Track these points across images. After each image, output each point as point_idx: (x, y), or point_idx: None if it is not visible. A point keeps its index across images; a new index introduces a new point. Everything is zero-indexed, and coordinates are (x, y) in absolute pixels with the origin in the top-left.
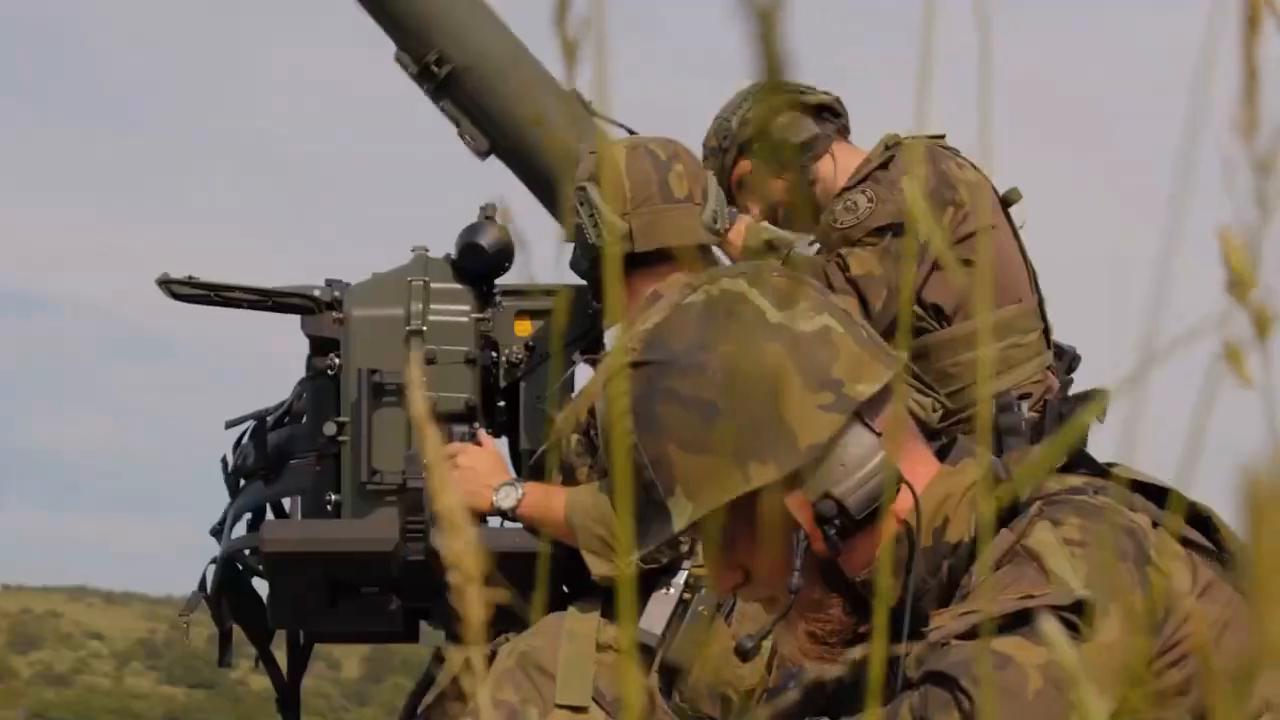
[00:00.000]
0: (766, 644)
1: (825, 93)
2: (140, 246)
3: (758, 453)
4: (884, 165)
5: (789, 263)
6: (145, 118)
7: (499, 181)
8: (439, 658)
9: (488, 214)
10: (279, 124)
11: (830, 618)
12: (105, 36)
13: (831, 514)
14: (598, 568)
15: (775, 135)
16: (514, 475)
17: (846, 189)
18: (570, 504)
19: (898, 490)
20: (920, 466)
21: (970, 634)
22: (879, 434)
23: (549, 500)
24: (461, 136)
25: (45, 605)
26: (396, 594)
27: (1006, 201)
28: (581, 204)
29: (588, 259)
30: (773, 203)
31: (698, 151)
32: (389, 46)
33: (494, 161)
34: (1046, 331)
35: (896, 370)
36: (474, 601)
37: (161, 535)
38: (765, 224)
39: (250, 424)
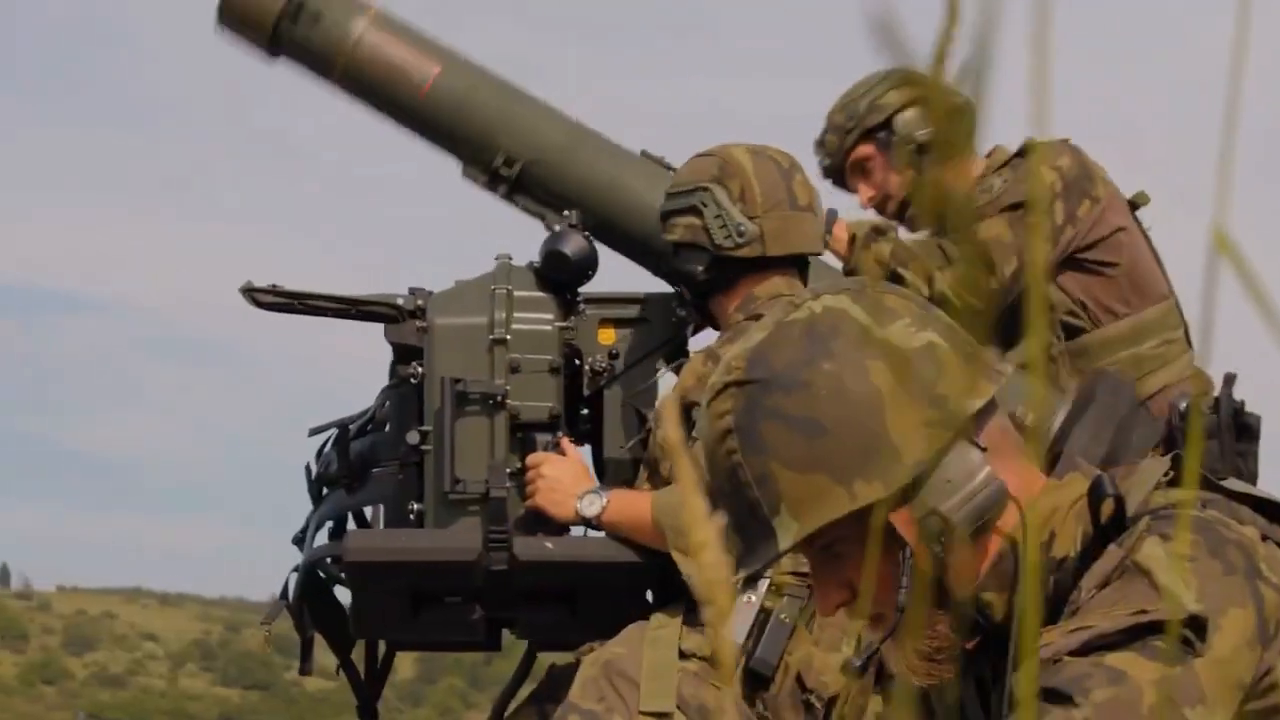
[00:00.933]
0: (849, 649)
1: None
2: (188, 248)
3: (863, 471)
4: (1020, 154)
5: (899, 247)
6: (192, 117)
7: None
8: (528, 662)
9: (571, 222)
10: (322, 124)
11: (937, 634)
12: (151, 35)
13: (937, 531)
14: (686, 567)
15: (944, 133)
16: (597, 483)
17: (982, 175)
18: (657, 505)
19: (1005, 505)
20: (1026, 481)
21: (1083, 650)
22: (984, 449)
23: (634, 505)
24: (549, 229)
25: (100, 607)
26: (479, 603)
27: (1134, 205)
28: (703, 206)
29: (703, 262)
30: (886, 194)
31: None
32: (451, 167)
33: None
34: (1187, 329)
35: (1001, 384)
36: (726, 639)
37: (213, 537)
38: (865, 216)
39: (333, 432)
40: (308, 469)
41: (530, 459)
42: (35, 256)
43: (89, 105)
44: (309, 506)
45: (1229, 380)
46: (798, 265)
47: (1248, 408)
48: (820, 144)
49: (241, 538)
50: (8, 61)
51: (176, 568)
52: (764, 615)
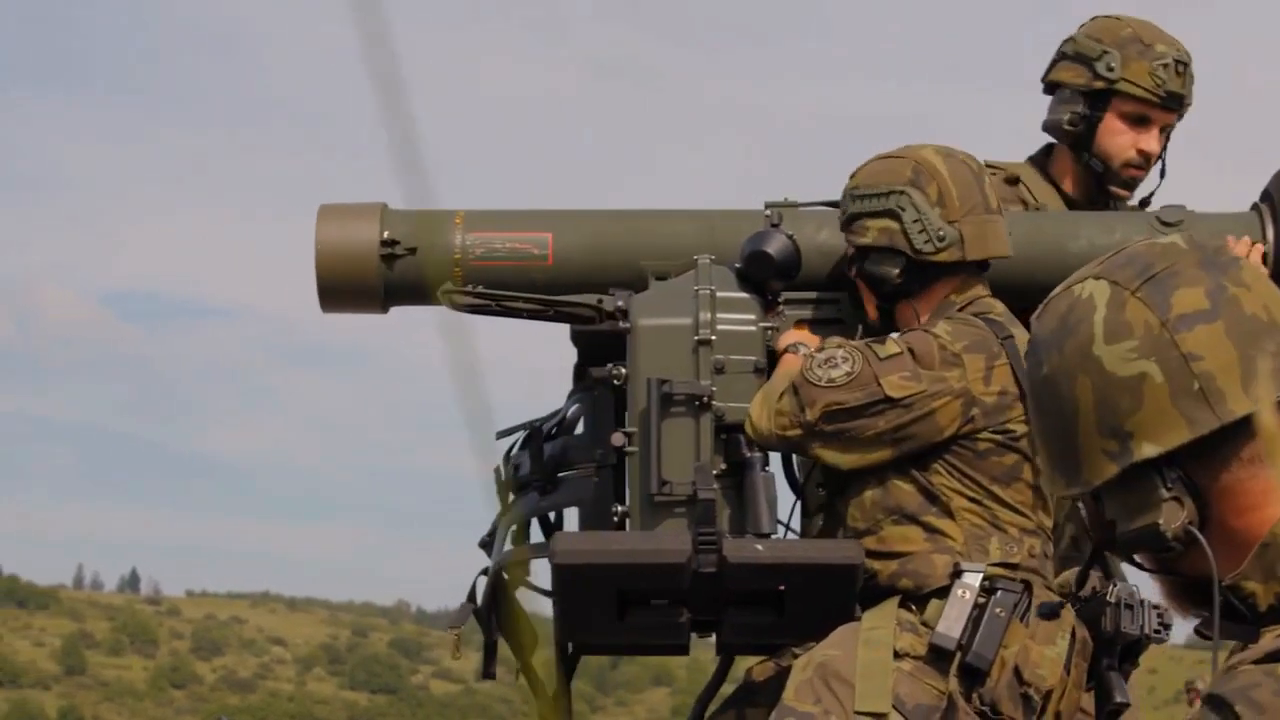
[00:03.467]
0: (1064, 643)
1: None
2: (311, 258)
3: (1058, 465)
4: None
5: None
6: (316, 123)
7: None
8: (725, 665)
9: (773, 221)
10: (439, 127)
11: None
12: (272, 40)
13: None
14: (752, 408)
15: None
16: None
17: None
18: (785, 361)
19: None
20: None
21: (1268, 659)
22: (1172, 496)
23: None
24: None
25: (229, 612)
26: (686, 606)
27: None
28: (900, 209)
29: (898, 265)
30: (1118, 153)
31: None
32: None
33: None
34: None
35: (1210, 428)
36: None
37: (340, 542)
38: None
39: (521, 435)
40: (497, 472)
41: (784, 348)
42: (160, 263)
43: (216, 112)
44: (440, 510)
45: None
46: (983, 268)
47: None
48: None
49: (368, 543)
50: (133, 67)
51: (304, 573)
52: (978, 610)
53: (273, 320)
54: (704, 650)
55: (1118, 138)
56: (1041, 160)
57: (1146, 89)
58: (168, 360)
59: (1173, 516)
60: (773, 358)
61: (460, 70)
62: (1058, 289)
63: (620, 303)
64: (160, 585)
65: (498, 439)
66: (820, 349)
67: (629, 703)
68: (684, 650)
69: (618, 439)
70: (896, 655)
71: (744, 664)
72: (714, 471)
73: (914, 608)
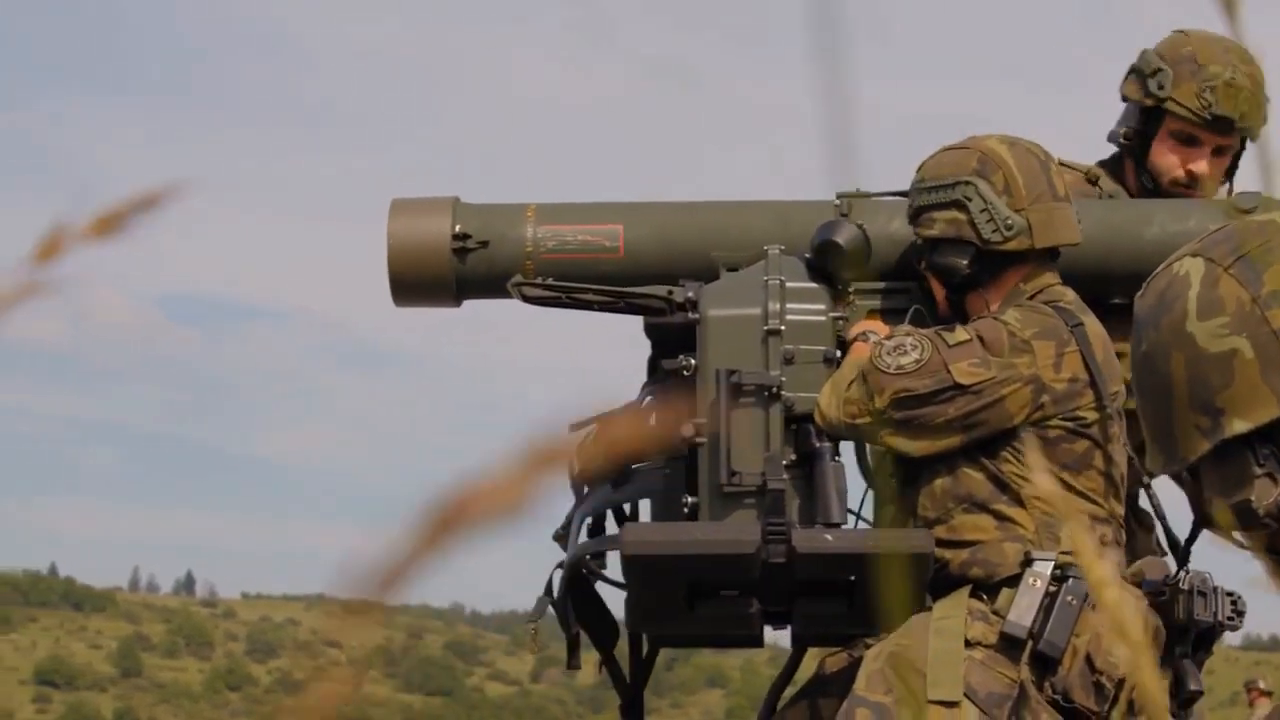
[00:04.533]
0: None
1: None
2: (367, 257)
3: (1157, 442)
4: None
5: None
6: (367, 128)
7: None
8: (797, 656)
9: (843, 211)
10: (492, 131)
11: None
12: (321, 40)
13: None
14: (821, 398)
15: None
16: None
17: None
18: (854, 350)
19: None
20: None
21: None
22: (1264, 473)
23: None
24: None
25: (284, 614)
26: (756, 597)
27: None
28: (967, 200)
29: (966, 256)
30: (1166, 171)
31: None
32: None
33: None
34: None
35: None
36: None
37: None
38: None
39: (594, 428)
40: (570, 465)
41: (854, 339)
42: (213, 266)
43: (270, 114)
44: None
45: None
46: (1053, 256)
47: None
48: None
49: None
50: (187, 69)
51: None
52: (1049, 598)
53: (326, 323)
54: (758, 652)
55: (1167, 156)
56: (1112, 166)
57: (1192, 110)
58: (222, 363)
59: (1265, 493)
60: (843, 348)
61: (497, 68)
62: (1160, 266)
63: (690, 294)
64: (216, 588)
65: (570, 431)
66: (889, 337)
67: (683, 704)
68: (757, 642)
69: (687, 430)
70: (968, 644)
71: (810, 661)
72: (784, 462)
73: (985, 597)
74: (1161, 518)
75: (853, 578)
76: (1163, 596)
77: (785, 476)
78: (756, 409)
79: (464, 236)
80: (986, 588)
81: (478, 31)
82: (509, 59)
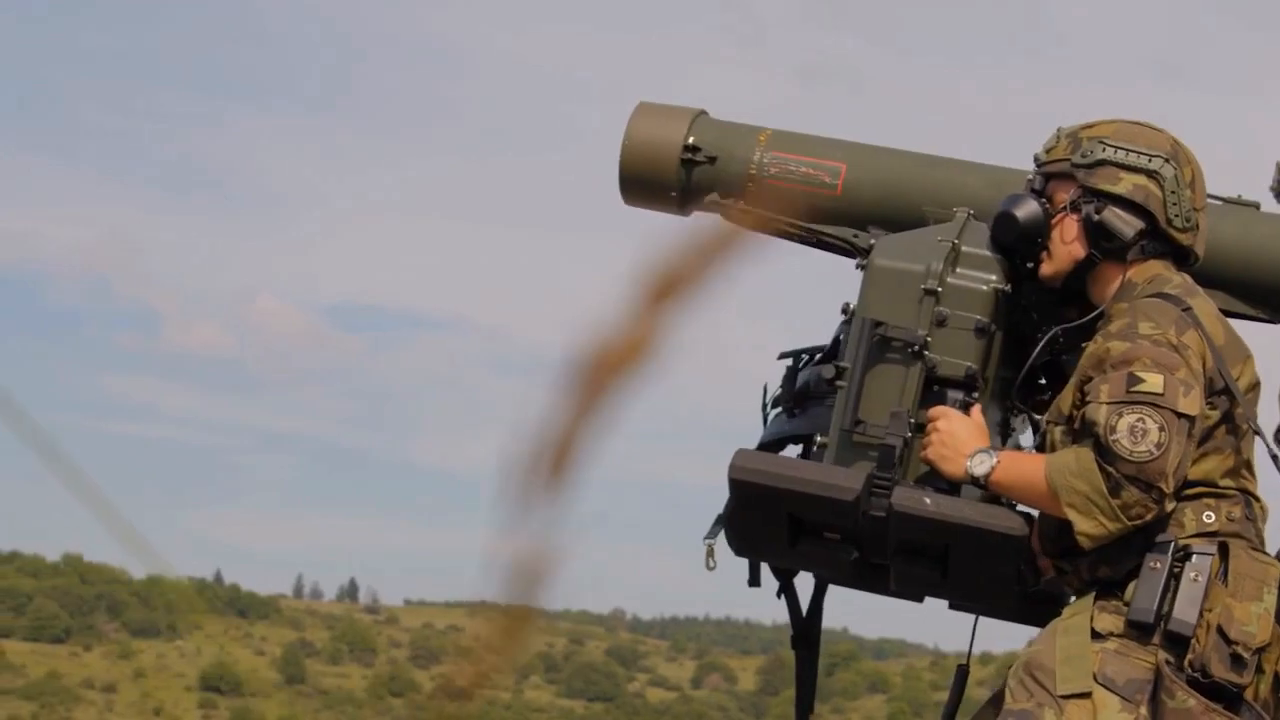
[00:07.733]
0: (1271, 598)
1: None
2: (527, 265)
3: None
4: None
5: None
6: (526, 134)
7: None
8: (963, 677)
9: (1034, 187)
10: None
11: None
12: (506, 55)
13: None
14: (1082, 524)
15: None
16: (993, 444)
17: None
18: (1050, 464)
19: None
20: None
21: None
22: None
23: (1024, 465)
24: None
25: (446, 620)
26: (857, 547)
27: None
28: (1162, 177)
29: (1137, 226)
30: None
31: None
32: None
33: None
34: None
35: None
36: None
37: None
38: None
39: (798, 357)
40: (764, 389)
41: (931, 412)
42: (377, 276)
43: (435, 128)
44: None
45: None
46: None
47: None
48: None
49: (583, 551)
50: (356, 86)
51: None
52: (1174, 580)
53: (488, 332)
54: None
55: None
56: None
57: None
58: (385, 371)
59: None
60: (999, 321)
61: (672, 74)
62: None
63: (872, 240)
64: (379, 594)
65: (778, 359)
66: (1109, 429)
67: (844, 710)
68: (856, 584)
69: (828, 371)
70: (1100, 636)
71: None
72: (912, 420)
73: (1117, 593)
74: None
75: (946, 545)
76: None
77: (907, 434)
78: (897, 364)
79: (694, 149)
80: (1115, 583)
81: (644, 39)
82: (673, 64)
